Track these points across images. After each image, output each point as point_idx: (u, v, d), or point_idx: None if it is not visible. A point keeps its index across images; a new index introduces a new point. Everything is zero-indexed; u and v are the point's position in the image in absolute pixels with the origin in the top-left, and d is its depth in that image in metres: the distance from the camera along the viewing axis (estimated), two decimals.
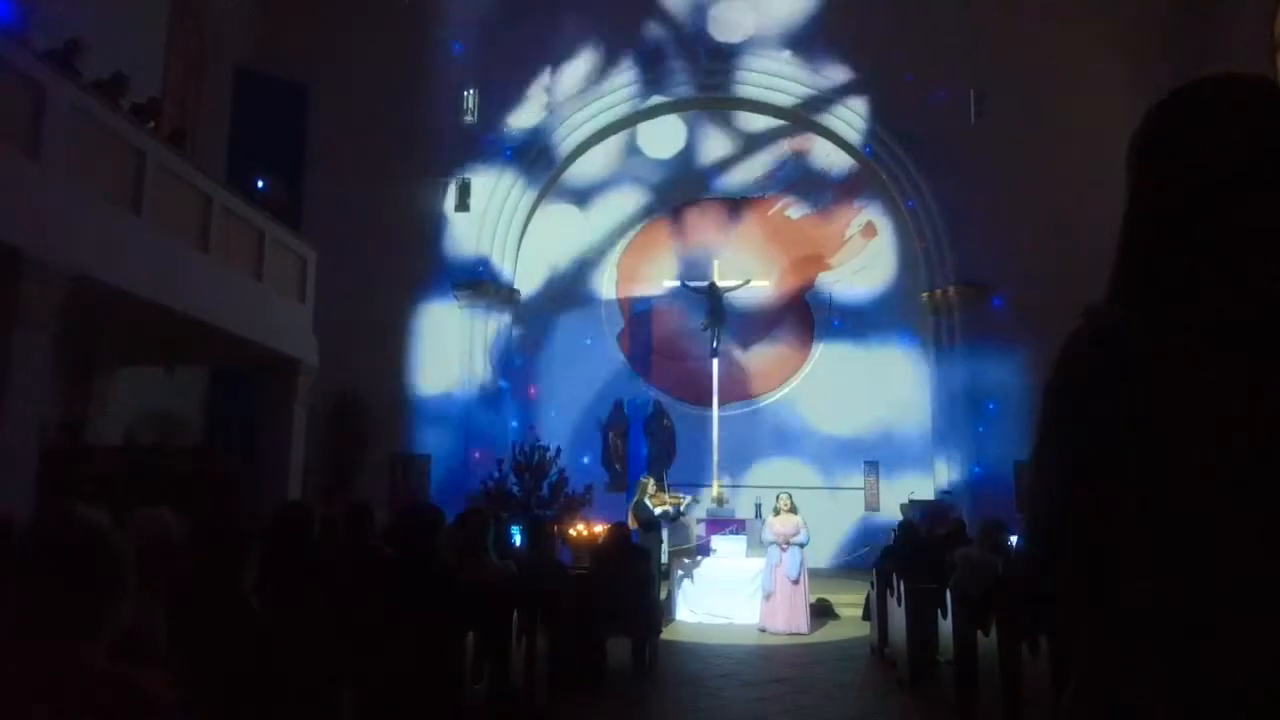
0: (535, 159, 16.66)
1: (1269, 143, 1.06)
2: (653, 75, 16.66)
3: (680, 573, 10.99)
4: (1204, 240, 1.05)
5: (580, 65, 16.53)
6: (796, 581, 9.92)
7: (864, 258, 17.54)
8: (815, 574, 11.18)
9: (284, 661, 2.93)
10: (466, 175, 16.03)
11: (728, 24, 16.52)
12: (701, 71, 16.70)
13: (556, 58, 16.45)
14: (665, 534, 11.53)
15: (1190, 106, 1.13)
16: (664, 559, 11.06)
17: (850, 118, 16.71)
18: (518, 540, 8.37)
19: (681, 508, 12.03)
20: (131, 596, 1.74)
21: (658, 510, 11.09)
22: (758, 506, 14.43)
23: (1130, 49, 14.52)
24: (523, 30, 15.92)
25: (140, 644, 1.99)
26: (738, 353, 17.17)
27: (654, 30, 16.60)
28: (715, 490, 15.03)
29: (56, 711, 1.46)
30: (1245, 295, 1.00)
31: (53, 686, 1.48)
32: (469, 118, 15.70)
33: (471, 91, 15.58)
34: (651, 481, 11.57)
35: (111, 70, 8.62)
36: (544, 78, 16.49)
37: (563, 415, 16.68)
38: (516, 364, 16.72)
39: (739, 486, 16.00)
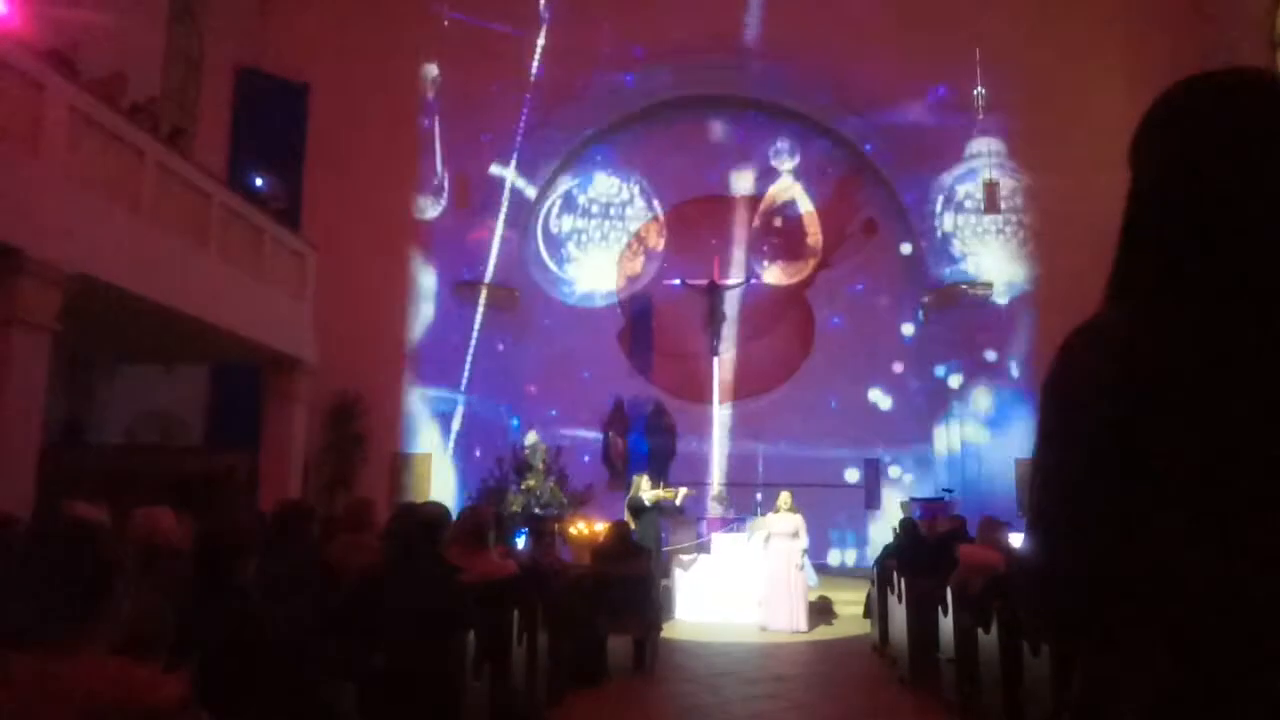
0: (536, 156, 16.65)
1: (1269, 138, 1.05)
2: (652, 73, 16.65)
3: (681, 570, 11.00)
4: (1203, 238, 1.05)
5: (581, 60, 16.50)
6: (800, 568, 9.99)
7: (864, 255, 17.55)
8: (815, 571, 11.22)
9: (285, 659, 2.93)
10: (467, 173, 16.01)
11: (729, 22, 16.50)
12: (703, 68, 16.68)
13: (557, 53, 16.43)
14: (664, 528, 11.52)
15: (1189, 102, 1.12)
16: (663, 556, 11.06)
17: (850, 114, 16.71)
18: (521, 544, 8.40)
19: (677, 500, 11.98)
20: (130, 595, 1.74)
21: (648, 498, 11.09)
22: (757, 505, 14.45)
23: (1132, 47, 14.51)
24: (520, 25, 15.90)
25: (145, 642, 1.99)
26: (738, 351, 17.17)
27: (653, 28, 16.57)
28: (715, 489, 15.03)
29: (57, 710, 1.46)
30: (1244, 294, 0.99)
31: (52, 685, 1.48)
32: (468, 114, 15.68)
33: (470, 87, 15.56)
34: (645, 479, 11.56)
35: (111, 69, 8.61)
36: (545, 74, 16.47)
37: (563, 414, 16.68)
38: (516, 362, 16.73)
39: (739, 485, 16.00)
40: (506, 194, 16.36)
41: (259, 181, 12.19)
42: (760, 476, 15.91)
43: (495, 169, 16.28)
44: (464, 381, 15.78)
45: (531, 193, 16.76)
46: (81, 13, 9.45)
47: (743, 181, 17.76)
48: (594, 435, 16.76)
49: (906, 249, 16.99)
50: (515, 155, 16.38)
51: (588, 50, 16.18)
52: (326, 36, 14.84)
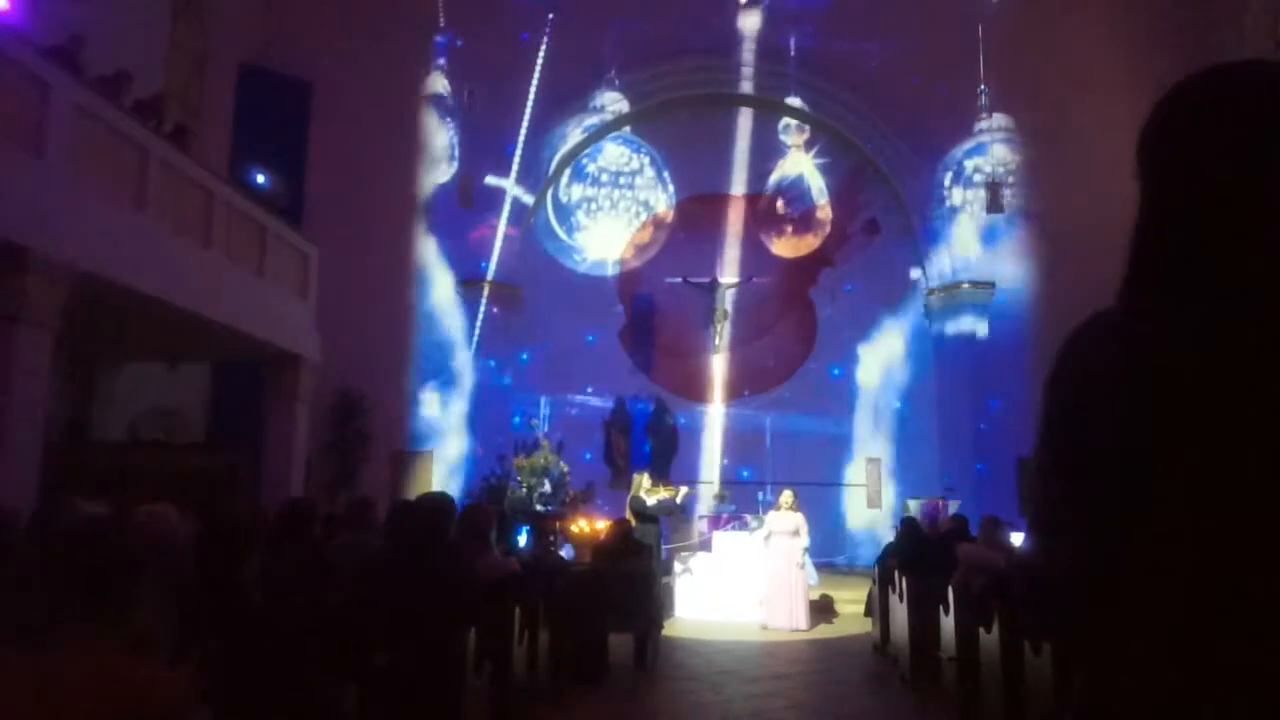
0: (538, 154, 16.65)
1: (1270, 137, 1.03)
2: (654, 72, 16.64)
3: (682, 569, 10.99)
4: (1205, 238, 1.04)
5: (580, 60, 16.49)
6: (801, 566, 10.00)
7: (867, 254, 17.54)
8: (816, 570, 11.22)
9: (285, 658, 2.93)
10: (469, 171, 16.01)
11: (730, 20, 16.49)
12: (704, 68, 16.67)
13: (558, 53, 16.42)
14: (664, 527, 11.51)
15: (1190, 100, 1.10)
16: (664, 555, 11.05)
17: (854, 114, 16.69)
18: (523, 540, 8.39)
19: (678, 499, 11.96)
20: (132, 593, 1.74)
21: (651, 502, 11.07)
22: (760, 504, 14.44)
23: (1134, 46, 14.47)
24: (523, 25, 15.89)
25: (146, 640, 2.00)
26: (740, 349, 17.17)
27: (652, 28, 16.56)
28: (716, 487, 15.02)
29: (62, 709, 1.46)
30: (1245, 294, 0.99)
31: (53, 685, 1.48)
32: (470, 112, 15.68)
33: (474, 87, 15.55)
34: (646, 477, 11.54)
35: (115, 67, 8.62)
36: (545, 73, 16.46)
37: (565, 411, 16.69)
38: (519, 361, 16.74)
39: (740, 483, 16.00)
40: (509, 194, 16.36)
41: (262, 179, 12.20)
42: (761, 474, 15.92)
43: (495, 179, 16.26)
44: (465, 379, 15.79)
45: (535, 189, 16.76)
46: (85, 10, 9.45)
47: (745, 179, 17.74)
48: (596, 433, 16.76)
49: (910, 247, 16.97)
50: (519, 153, 16.36)
51: (589, 50, 16.19)
52: (330, 34, 14.81)
